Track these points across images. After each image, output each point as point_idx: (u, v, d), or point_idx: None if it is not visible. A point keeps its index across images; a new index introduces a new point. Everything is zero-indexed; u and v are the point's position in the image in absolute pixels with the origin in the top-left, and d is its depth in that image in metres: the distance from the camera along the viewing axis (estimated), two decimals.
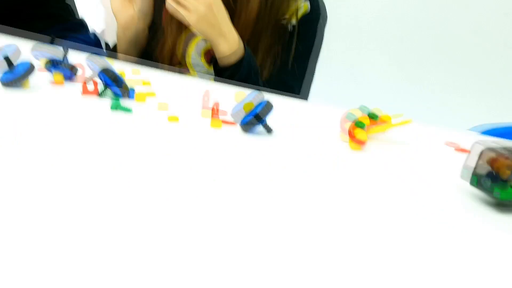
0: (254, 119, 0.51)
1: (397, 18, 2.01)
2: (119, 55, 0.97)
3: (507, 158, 0.37)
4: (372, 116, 0.57)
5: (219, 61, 0.88)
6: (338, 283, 0.25)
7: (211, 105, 0.59)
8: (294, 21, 0.94)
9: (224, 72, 0.87)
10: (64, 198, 0.31)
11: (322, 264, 0.27)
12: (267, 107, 0.51)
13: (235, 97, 0.54)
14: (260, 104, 0.52)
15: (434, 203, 0.39)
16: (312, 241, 0.30)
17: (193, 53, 0.97)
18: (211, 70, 0.95)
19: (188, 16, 0.80)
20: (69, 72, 0.63)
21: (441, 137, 0.63)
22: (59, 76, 0.61)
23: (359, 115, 0.56)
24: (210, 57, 0.95)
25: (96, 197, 0.32)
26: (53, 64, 0.61)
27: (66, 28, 1.14)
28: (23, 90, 0.56)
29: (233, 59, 0.85)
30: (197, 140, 0.49)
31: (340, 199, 0.37)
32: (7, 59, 0.54)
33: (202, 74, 0.98)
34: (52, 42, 0.67)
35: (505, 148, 0.39)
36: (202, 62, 0.97)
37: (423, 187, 0.43)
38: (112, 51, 0.98)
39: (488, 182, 0.38)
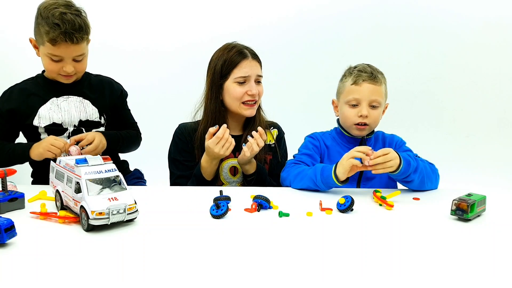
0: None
1: None
2: None
3: (464, 201, 1.01)
4: (377, 191, 1.18)
5: (245, 173, 1.44)
6: None
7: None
8: (273, 141, 1.54)
9: (250, 179, 1.43)
10: None
11: None
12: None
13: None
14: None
15: (439, 219, 0.99)
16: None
17: (224, 172, 1.45)
18: (235, 179, 1.48)
19: (247, 157, 1.36)
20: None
21: (408, 195, 1.26)
22: None
23: (381, 192, 1.16)
24: (234, 171, 1.47)
25: None
26: None
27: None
28: None
29: (252, 171, 1.43)
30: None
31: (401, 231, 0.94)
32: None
33: (231, 183, 1.46)
34: None
35: (460, 198, 1.03)
36: (229, 175, 1.46)
37: (431, 215, 1.03)
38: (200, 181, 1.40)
39: (459, 212, 1.00)
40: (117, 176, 0.96)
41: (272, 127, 1.54)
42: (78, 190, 0.93)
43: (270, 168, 1.51)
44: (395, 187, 1.41)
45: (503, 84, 3.26)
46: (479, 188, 1.14)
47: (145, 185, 1.61)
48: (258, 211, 1.07)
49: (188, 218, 1.01)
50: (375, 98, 1.37)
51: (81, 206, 0.90)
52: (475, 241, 0.90)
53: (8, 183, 1.07)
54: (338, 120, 1.50)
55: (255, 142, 1.32)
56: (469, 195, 1.05)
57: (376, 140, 1.47)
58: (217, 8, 3.06)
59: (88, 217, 0.88)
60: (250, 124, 1.48)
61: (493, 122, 3.30)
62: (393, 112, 3.09)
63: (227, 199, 1.12)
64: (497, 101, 3.28)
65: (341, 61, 1.43)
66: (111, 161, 1.00)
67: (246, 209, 1.08)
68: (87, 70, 1.51)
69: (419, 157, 1.37)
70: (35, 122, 1.41)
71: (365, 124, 1.38)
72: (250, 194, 1.15)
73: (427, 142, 3.10)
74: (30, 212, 0.99)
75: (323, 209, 1.09)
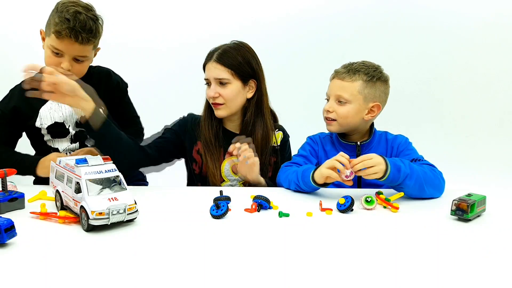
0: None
1: None
2: None
3: (464, 201, 1.01)
4: (380, 193, 1.18)
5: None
6: None
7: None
8: (278, 143, 1.53)
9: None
10: None
11: None
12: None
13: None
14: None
15: (439, 219, 0.99)
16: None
17: (226, 169, 1.46)
18: (236, 177, 1.48)
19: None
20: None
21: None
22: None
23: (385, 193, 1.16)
24: (236, 169, 1.47)
25: None
26: None
27: None
28: None
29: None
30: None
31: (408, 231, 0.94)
32: None
33: (232, 181, 1.47)
34: None
35: (460, 198, 1.03)
36: (231, 173, 1.46)
37: (431, 215, 1.03)
38: None
39: (459, 212, 1.00)
40: (117, 176, 0.96)
41: (276, 130, 1.54)
42: (78, 190, 0.93)
43: (273, 171, 1.51)
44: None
45: (503, 84, 3.25)
46: (479, 188, 1.15)
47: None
48: (258, 211, 1.07)
49: (188, 218, 1.01)
50: (340, 94, 1.37)
51: (81, 206, 0.90)
52: (475, 241, 0.90)
53: (8, 183, 1.07)
54: None
55: (243, 152, 1.31)
56: (469, 195, 1.05)
57: (379, 142, 1.46)
58: (225, 5, 3.07)
59: (88, 217, 0.88)
60: (249, 125, 1.47)
61: (493, 122, 3.29)
62: (393, 112, 3.09)
63: (227, 199, 1.12)
64: (497, 101, 3.28)
65: (341, 61, 1.43)
66: (111, 161, 1.00)
67: (246, 209, 1.08)
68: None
69: (424, 160, 1.35)
70: (37, 123, 1.42)
71: (332, 119, 1.39)
72: (250, 194, 1.15)
73: (427, 142, 3.09)
74: (30, 212, 0.99)
75: (323, 209, 1.09)
